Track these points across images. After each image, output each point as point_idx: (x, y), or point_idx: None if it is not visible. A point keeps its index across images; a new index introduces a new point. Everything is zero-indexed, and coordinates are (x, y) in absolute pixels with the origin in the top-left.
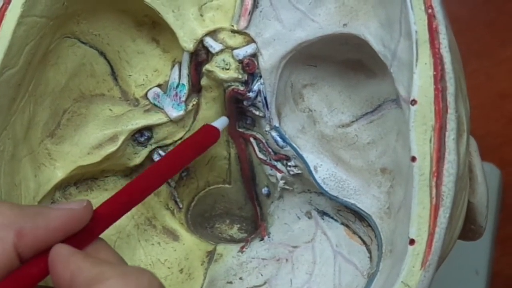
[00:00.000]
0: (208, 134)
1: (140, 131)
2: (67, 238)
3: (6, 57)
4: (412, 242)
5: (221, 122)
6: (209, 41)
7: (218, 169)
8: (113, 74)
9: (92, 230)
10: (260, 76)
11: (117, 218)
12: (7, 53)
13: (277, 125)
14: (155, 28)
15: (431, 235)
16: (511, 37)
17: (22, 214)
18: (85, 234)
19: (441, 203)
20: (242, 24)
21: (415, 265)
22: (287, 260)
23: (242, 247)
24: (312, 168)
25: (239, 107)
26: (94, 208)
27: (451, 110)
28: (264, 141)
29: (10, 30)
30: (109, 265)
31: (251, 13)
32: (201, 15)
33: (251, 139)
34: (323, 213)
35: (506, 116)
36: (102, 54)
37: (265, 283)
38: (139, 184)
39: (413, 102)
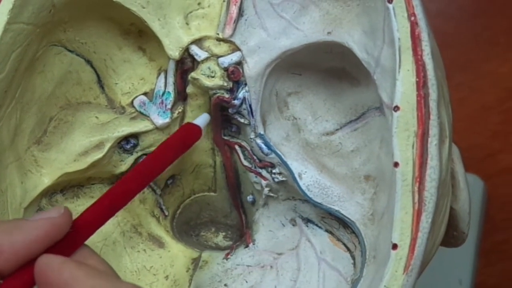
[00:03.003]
0: (189, 132)
1: (126, 138)
2: (51, 248)
3: None
4: (395, 247)
5: (202, 119)
6: (194, 49)
7: (204, 177)
8: (100, 82)
9: (76, 238)
10: (245, 84)
11: (101, 224)
12: None
13: (262, 132)
14: (142, 36)
15: (413, 240)
16: (495, 52)
17: None
18: (69, 243)
19: (423, 208)
20: (227, 32)
21: (398, 269)
22: (271, 267)
23: (227, 254)
24: (296, 175)
25: (224, 114)
26: (77, 215)
27: (433, 116)
28: (249, 148)
29: None
30: (104, 276)
31: (236, 21)
32: (187, 24)
33: (236, 147)
34: (307, 220)
35: (490, 129)
36: (88, 62)
37: None
38: (122, 188)
39: (396, 108)
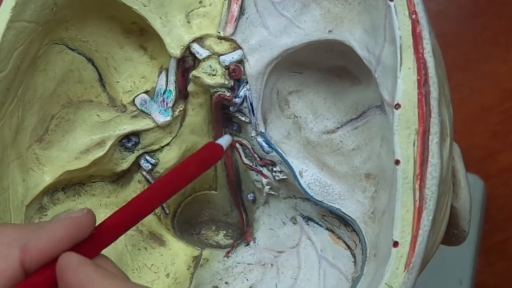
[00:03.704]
0: (212, 152)
1: (128, 136)
2: (75, 248)
3: None
4: (395, 244)
5: (225, 140)
6: (196, 48)
7: (204, 175)
8: (101, 80)
9: (99, 241)
10: (246, 82)
11: (124, 231)
12: None
13: (263, 130)
14: (143, 35)
15: (414, 237)
16: (495, 52)
17: (24, 231)
18: (91, 245)
19: (424, 206)
20: (229, 30)
21: (399, 267)
22: (272, 265)
23: (228, 252)
24: (297, 173)
25: (226, 113)
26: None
27: (434, 114)
28: (250, 146)
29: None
30: (120, 279)
31: (237, 20)
32: (188, 22)
33: (237, 145)
34: (308, 219)
35: (490, 129)
36: (90, 60)
37: (250, 287)
38: (144, 199)
39: (397, 106)
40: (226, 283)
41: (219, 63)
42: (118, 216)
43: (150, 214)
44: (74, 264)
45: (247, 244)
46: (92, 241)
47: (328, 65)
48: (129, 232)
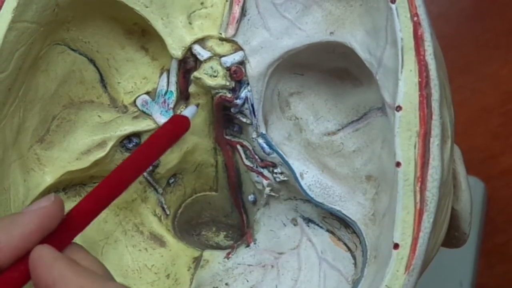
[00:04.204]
0: (178, 124)
1: (129, 137)
2: (47, 238)
3: None
4: (396, 246)
5: (190, 111)
6: (197, 49)
7: (205, 176)
8: (102, 81)
9: (72, 228)
10: (248, 84)
11: (96, 214)
12: None
13: (264, 132)
14: (144, 36)
15: (415, 239)
16: (496, 54)
17: None
18: (65, 232)
19: (425, 208)
20: (230, 32)
21: (399, 269)
22: (272, 266)
23: (228, 254)
24: (298, 175)
25: (227, 114)
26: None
27: (435, 116)
28: (251, 148)
29: (1, 35)
30: (92, 276)
31: (239, 21)
32: (190, 23)
33: (238, 146)
34: (308, 220)
35: (491, 131)
36: (91, 61)
37: None
38: (115, 178)
39: (398, 108)
40: (226, 284)
41: (221, 64)
42: (89, 199)
43: (121, 194)
44: (46, 259)
45: (248, 245)
46: (64, 229)
47: (330, 67)
48: (130, 232)
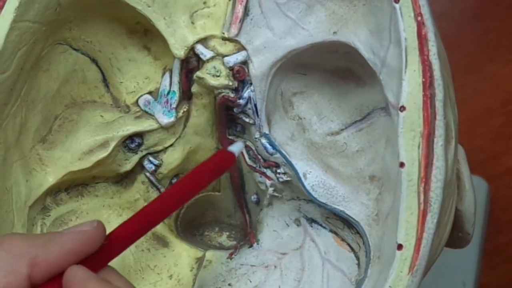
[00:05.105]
0: (224, 159)
1: (131, 137)
2: (81, 261)
3: None
4: (400, 247)
5: (237, 147)
6: (200, 48)
7: None
8: (105, 81)
9: (107, 253)
10: (251, 83)
11: (134, 240)
12: None
13: (267, 132)
14: (147, 35)
15: (418, 240)
16: (498, 54)
17: (34, 243)
18: (101, 256)
19: (429, 208)
20: (233, 31)
21: (403, 270)
22: (275, 267)
23: (231, 254)
24: (301, 175)
25: (229, 114)
26: (81, 213)
27: (439, 117)
28: (254, 148)
29: (3, 34)
30: None
31: (242, 21)
32: (192, 23)
33: None
34: (311, 220)
35: (493, 131)
36: (93, 61)
37: None
38: (156, 206)
39: (402, 108)
40: (229, 284)
41: (223, 64)
42: (128, 226)
43: (160, 223)
44: (80, 279)
45: (251, 246)
46: (101, 252)
47: (333, 67)
48: None
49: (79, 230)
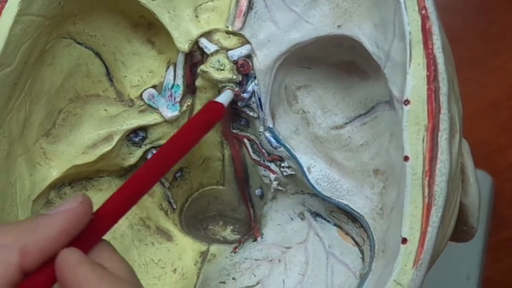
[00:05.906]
0: (213, 110)
1: (135, 131)
2: (73, 240)
3: (2, 55)
4: (404, 241)
5: (225, 97)
6: (204, 42)
7: (212, 170)
8: (109, 74)
9: (99, 227)
10: (255, 77)
11: (125, 211)
12: (3, 51)
13: (271, 126)
14: (151, 29)
15: (423, 234)
16: (503, 47)
17: (22, 231)
18: (91, 233)
19: (433, 202)
20: (237, 25)
21: (407, 264)
22: (279, 260)
23: (235, 248)
24: (305, 169)
25: (234, 108)
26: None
27: (444, 110)
28: (258, 142)
29: (7, 28)
30: (115, 281)
31: (246, 14)
32: (196, 16)
33: (245, 140)
34: (316, 214)
35: (498, 124)
36: (97, 55)
37: (258, 283)
38: (142, 173)
39: (406, 102)
40: (233, 278)
41: (227, 58)
42: (118, 197)
43: (150, 189)
44: (72, 263)
45: (255, 240)
46: (91, 228)
47: (337, 60)
48: (136, 227)
49: (65, 209)
